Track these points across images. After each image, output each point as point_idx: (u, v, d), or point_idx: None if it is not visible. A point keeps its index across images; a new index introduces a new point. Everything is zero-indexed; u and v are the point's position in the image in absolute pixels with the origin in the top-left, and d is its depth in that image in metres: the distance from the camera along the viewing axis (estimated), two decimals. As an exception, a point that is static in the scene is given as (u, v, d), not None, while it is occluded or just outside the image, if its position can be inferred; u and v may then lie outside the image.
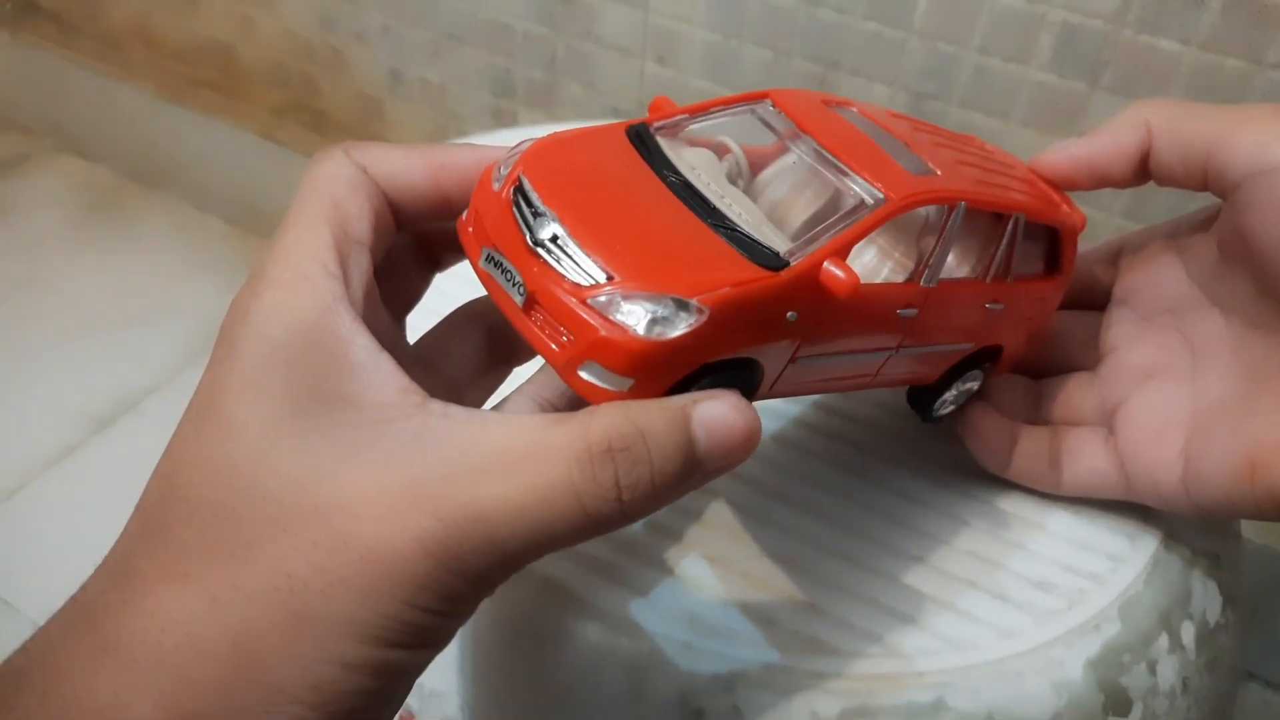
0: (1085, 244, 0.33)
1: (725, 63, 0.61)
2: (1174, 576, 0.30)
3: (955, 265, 0.28)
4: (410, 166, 0.23)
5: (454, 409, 0.20)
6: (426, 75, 0.76)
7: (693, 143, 0.25)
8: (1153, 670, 0.29)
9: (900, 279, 0.26)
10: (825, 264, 0.21)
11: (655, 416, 0.20)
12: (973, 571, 0.30)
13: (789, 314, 0.22)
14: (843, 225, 0.22)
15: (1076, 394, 0.33)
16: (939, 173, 0.25)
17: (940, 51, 0.54)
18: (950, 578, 0.30)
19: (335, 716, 0.18)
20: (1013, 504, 0.32)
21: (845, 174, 0.24)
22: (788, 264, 0.21)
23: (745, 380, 0.22)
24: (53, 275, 0.90)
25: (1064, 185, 0.30)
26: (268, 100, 0.88)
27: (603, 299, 0.20)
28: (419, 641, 0.19)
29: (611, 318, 0.20)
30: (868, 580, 0.30)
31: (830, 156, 0.24)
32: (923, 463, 0.33)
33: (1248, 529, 0.37)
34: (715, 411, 0.20)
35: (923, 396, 0.31)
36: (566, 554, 0.30)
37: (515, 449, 0.19)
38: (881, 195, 0.23)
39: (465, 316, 0.27)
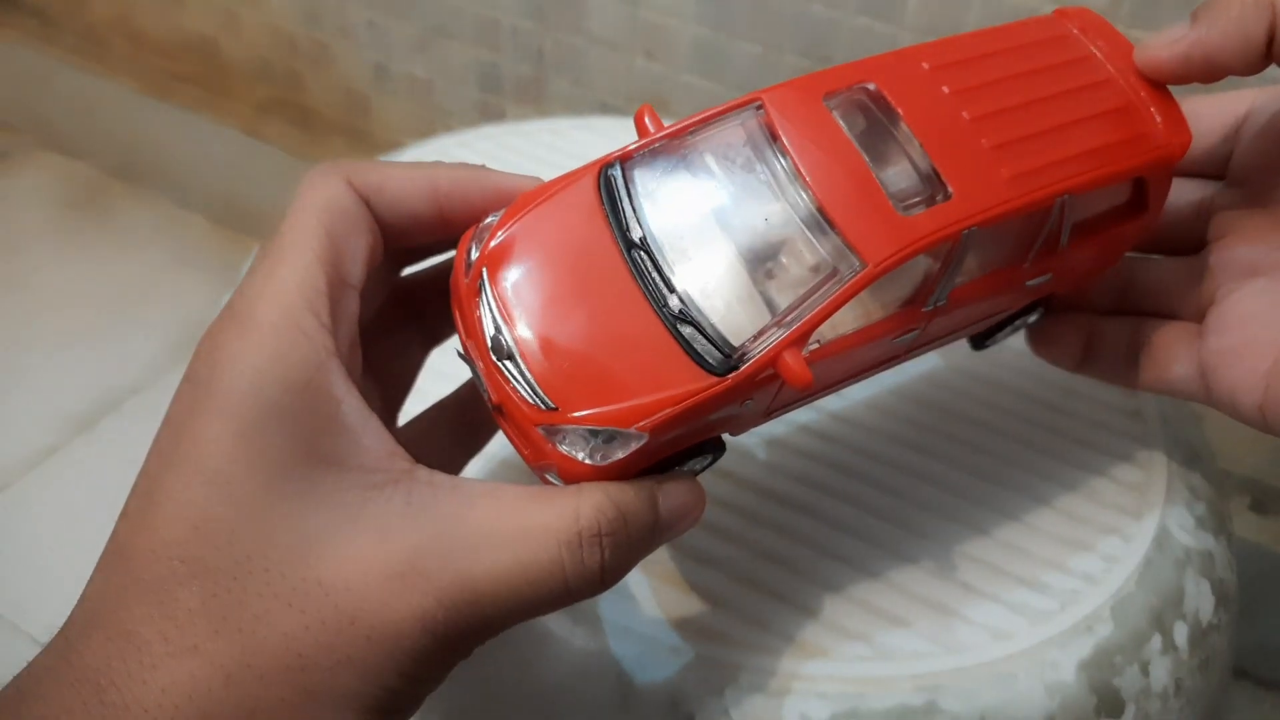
0: (1204, 95, 0.28)
1: (715, 57, 0.61)
2: (1166, 576, 0.30)
3: (980, 261, 0.25)
4: (412, 193, 0.23)
5: (439, 477, 0.20)
6: (413, 70, 0.75)
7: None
8: (1145, 671, 0.28)
9: (897, 305, 0.24)
10: (783, 355, 0.21)
11: (633, 499, 0.21)
12: (965, 573, 0.30)
13: (744, 403, 0.22)
14: (804, 309, 0.21)
15: (1170, 281, 0.29)
16: (951, 191, 0.22)
17: (930, 47, 0.54)
18: (942, 579, 0.30)
19: None
20: (1006, 504, 0.32)
21: (824, 231, 0.22)
22: (736, 367, 0.21)
23: (714, 446, 0.24)
24: (33, 273, 0.89)
25: (1174, 83, 0.26)
26: (252, 96, 0.87)
27: (550, 429, 0.21)
28: (402, 707, 0.19)
29: (559, 447, 0.21)
30: (859, 582, 0.29)
31: (812, 204, 0.22)
32: (915, 462, 0.33)
33: (1239, 528, 0.37)
34: (676, 492, 0.22)
35: (976, 345, 0.30)
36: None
37: (506, 527, 0.20)
38: (858, 263, 0.21)
39: (440, 408, 0.27)
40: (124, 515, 0.19)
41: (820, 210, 0.22)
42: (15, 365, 0.80)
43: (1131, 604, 0.29)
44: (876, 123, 0.24)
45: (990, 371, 0.36)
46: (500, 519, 0.20)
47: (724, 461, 0.32)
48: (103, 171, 1.00)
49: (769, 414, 0.25)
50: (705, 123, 0.24)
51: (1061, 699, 0.27)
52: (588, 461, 0.21)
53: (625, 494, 0.21)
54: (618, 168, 0.23)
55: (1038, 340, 0.30)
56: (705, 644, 0.28)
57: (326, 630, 0.18)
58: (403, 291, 0.26)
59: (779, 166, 0.23)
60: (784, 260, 0.23)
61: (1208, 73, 0.25)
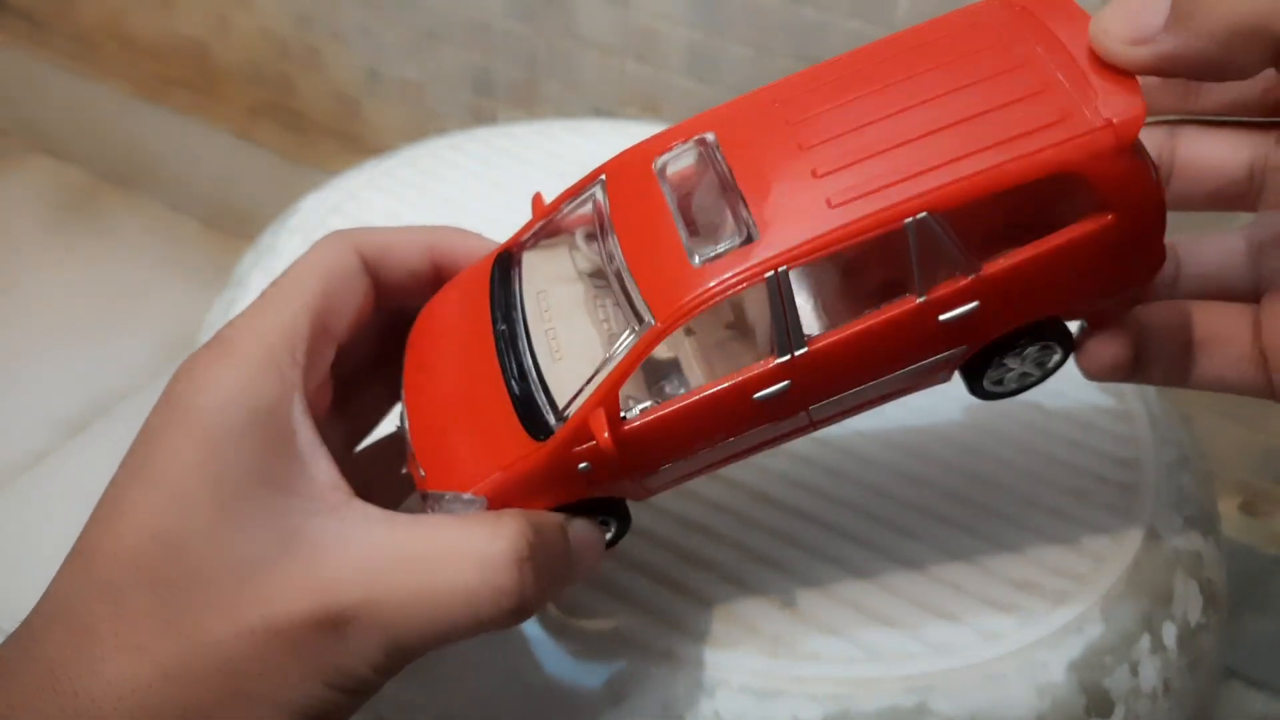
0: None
1: (707, 61, 0.61)
2: (1156, 577, 0.30)
3: (848, 303, 0.24)
4: (412, 252, 0.26)
5: (372, 509, 0.22)
6: (405, 74, 0.75)
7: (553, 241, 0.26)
8: (1135, 671, 0.29)
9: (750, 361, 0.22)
10: (589, 417, 0.22)
11: (547, 524, 0.23)
12: (955, 573, 0.30)
13: (580, 466, 0.23)
14: (606, 369, 0.22)
15: (1224, 255, 0.25)
16: (758, 234, 0.21)
17: (921, 51, 0.54)
18: (932, 580, 0.30)
19: None
20: (996, 505, 0.32)
21: (629, 294, 0.23)
22: (553, 431, 0.23)
23: (619, 514, 0.25)
24: (24, 277, 0.89)
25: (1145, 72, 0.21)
26: (244, 100, 0.87)
27: (424, 495, 0.24)
28: (333, 712, 0.21)
29: (431, 511, 0.24)
30: (849, 583, 0.30)
31: (624, 269, 0.23)
32: (904, 463, 0.33)
33: (1228, 529, 0.37)
34: (581, 528, 0.24)
35: (972, 384, 0.25)
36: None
37: (423, 551, 0.21)
38: (650, 319, 0.22)
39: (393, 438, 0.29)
40: (92, 519, 0.21)
41: (627, 273, 0.23)
42: (6, 369, 0.79)
43: (1121, 604, 0.29)
44: (709, 175, 0.23)
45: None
46: (419, 544, 0.21)
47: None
48: (94, 175, 0.99)
49: (687, 477, 0.25)
50: (571, 197, 0.25)
51: (1051, 699, 0.27)
52: None
53: (541, 519, 0.23)
54: (508, 254, 0.26)
55: (1084, 360, 0.25)
56: (696, 646, 0.28)
57: (256, 640, 0.20)
58: (393, 344, 0.28)
59: (610, 239, 0.24)
60: (612, 328, 0.24)
61: (1191, 77, 0.21)
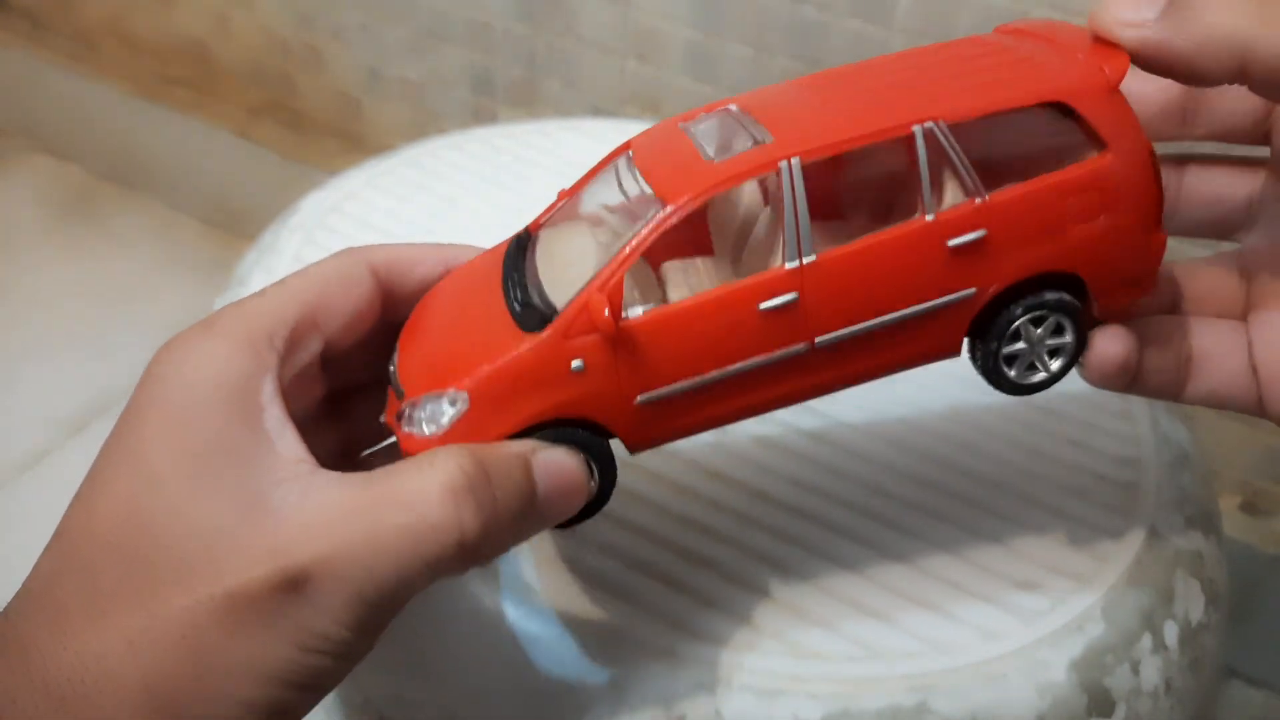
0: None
1: (707, 60, 0.61)
2: (1157, 576, 0.30)
3: (858, 221, 0.25)
4: (421, 261, 0.26)
5: (333, 475, 0.21)
6: (405, 73, 0.75)
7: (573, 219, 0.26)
8: (1136, 671, 0.29)
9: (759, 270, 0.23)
10: (590, 298, 0.22)
11: (500, 456, 0.22)
12: (956, 572, 0.30)
13: (573, 365, 0.22)
14: (614, 260, 0.22)
15: (1217, 277, 0.27)
16: (772, 139, 0.23)
17: (921, 50, 0.54)
18: (933, 579, 0.30)
19: None
20: (997, 504, 0.32)
21: (642, 192, 0.23)
22: (550, 322, 0.22)
23: (595, 442, 0.23)
24: (24, 277, 0.89)
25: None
26: (244, 99, 0.87)
27: (399, 415, 0.23)
28: (313, 681, 0.21)
29: (404, 429, 0.23)
30: (850, 582, 0.30)
31: (639, 178, 0.24)
32: (905, 462, 0.33)
33: (1229, 528, 0.37)
34: (552, 458, 0.22)
35: (990, 377, 0.26)
36: (549, 559, 0.30)
37: (366, 500, 0.21)
38: (660, 206, 0.22)
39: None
40: (73, 500, 0.22)
41: (641, 178, 0.24)
42: (6, 369, 0.79)
43: (1122, 603, 0.29)
44: (731, 129, 0.24)
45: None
46: (365, 493, 0.21)
47: (715, 462, 0.33)
48: (94, 174, 0.99)
49: (684, 427, 0.24)
50: (589, 176, 0.26)
51: (1052, 698, 0.27)
52: (428, 434, 0.22)
53: (491, 452, 0.22)
54: (525, 233, 0.26)
55: (1091, 357, 0.26)
56: (697, 644, 0.28)
57: (217, 608, 0.20)
58: None
59: (631, 173, 0.25)
60: (620, 234, 0.24)
61: (1165, 73, 0.23)
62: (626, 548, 0.30)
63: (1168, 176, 0.27)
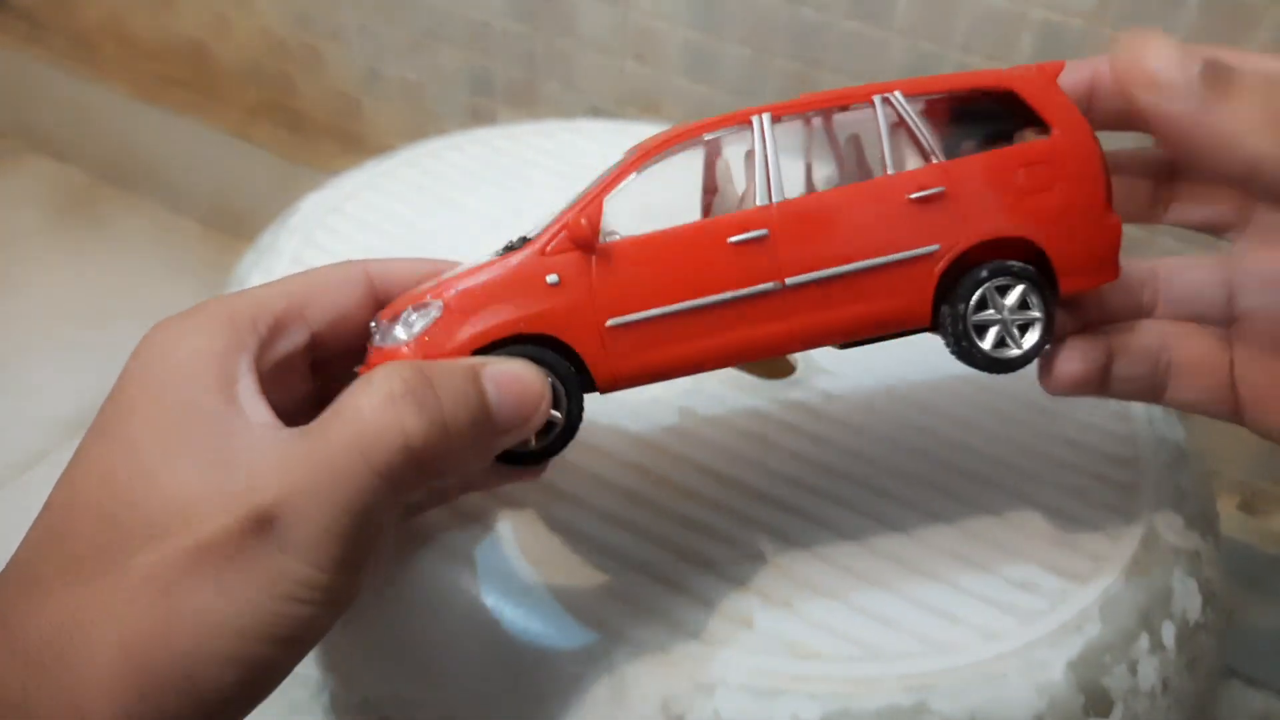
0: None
1: (705, 61, 0.61)
2: (1155, 576, 0.30)
3: (826, 176, 0.28)
4: (418, 271, 0.27)
5: (297, 429, 0.21)
6: (404, 74, 0.75)
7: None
8: (1133, 670, 0.29)
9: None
10: (574, 218, 0.24)
11: (446, 369, 0.22)
12: (954, 572, 0.30)
13: (548, 279, 0.24)
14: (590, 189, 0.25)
15: (1200, 283, 0.27)
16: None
17: (922, 50, 0.54)
18: (932, 579, 0.30)
19: (212, 708, 0.20)
20: (994, 504, 0.32)
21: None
22: (526, 239, 0.24)
23: (562, 365, 0.24)
24: (23, 278, 0.89)
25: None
26: (243, 100, 0.87)
27: (371, 330, 0.25)
28: (293, 633, 0.20)
29: (376, 345, 0.24)
30: (848, 582, 0.30)
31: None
32: (902, 463, 0.33)
33: (1227, 527, 0.37)
34: (505, 368, 0.23)
35: (962, 349, 0.26)
36: (548, 559, 0.30)
37: (316, 436, 0.21)
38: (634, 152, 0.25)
39: None
40: (60, 477, 0.22)
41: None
42: (6, 370, 0.79)
43: (1120, 603, 0.29)
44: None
45: (977, 371, 0.36)
46: (318, 426, 0.21)
47: (713, 462, 0.33)
48: (93, 175, 0.99)
49: (655, 369, 0.24)
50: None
51: (1050, 698, 0.27)
52: (393, 344, 0.24)
53: (437, 364, 0.22)
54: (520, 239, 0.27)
55: (1047, 374, 0.26)
56: (696, 644, 0.28)
57: (188, 560, 0.20)
58: None
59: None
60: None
61: (1161, 136, 0.25)
62: (626, 548, 0.30)
63: (1165, 175, 0.28)
